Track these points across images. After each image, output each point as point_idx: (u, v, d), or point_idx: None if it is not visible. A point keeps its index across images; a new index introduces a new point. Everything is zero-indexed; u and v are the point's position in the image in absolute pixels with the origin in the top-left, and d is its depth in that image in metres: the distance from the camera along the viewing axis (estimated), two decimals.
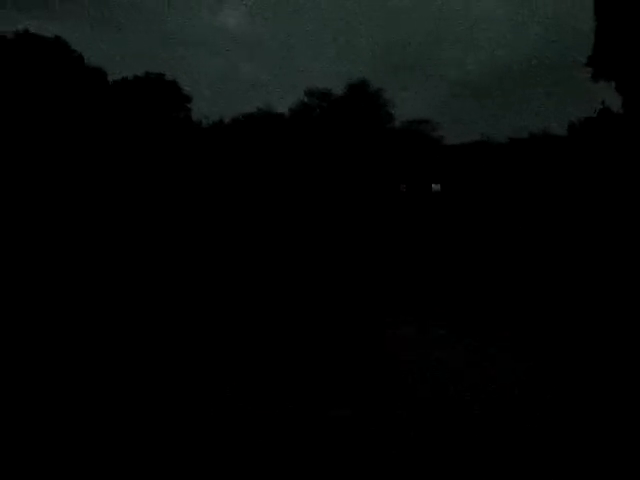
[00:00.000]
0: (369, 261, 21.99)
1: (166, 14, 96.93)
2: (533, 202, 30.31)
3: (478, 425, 5.13)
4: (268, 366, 7.50)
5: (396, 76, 74.56)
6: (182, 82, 32.51)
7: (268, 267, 20.05)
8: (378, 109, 33.03)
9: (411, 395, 6.08)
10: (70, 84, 32.04)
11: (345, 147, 32.68)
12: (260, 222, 28.59)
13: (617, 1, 20.42)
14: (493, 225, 28.82)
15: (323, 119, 32.77)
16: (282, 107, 34.05)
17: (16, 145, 30.22)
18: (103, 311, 10.98)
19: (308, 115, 32.68)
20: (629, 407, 5.62)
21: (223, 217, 28.90)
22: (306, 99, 32.78)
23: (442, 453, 4.62)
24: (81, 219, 27.01)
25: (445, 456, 4.57)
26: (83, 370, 6.97)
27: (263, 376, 7.03)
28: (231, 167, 31.83)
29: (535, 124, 57.69)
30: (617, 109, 24.70)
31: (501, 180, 33.26)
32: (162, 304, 12.28)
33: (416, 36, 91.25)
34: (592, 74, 22.24)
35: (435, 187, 33.43)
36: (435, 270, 19.50)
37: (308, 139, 32.65)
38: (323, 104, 32.87)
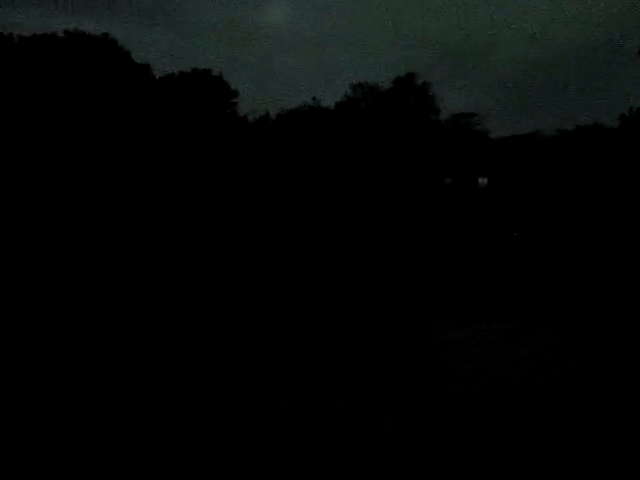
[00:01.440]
0: (415, 258, 21.98)
1: (212, 10, 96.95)
2: (583, 196, 29.90)
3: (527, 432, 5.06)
4: (316, 361, 7.60)
5: (444, 68, 73.48)
6: (228, 77, 32.66)
7: (316, 262, 20.08)
8: (425, 102, 32.78)
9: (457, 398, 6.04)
10: (118, 80, 32.39)
11: (390, 141, 32.56)
12: (306, 216, 28.72)
13: None
14: (541, 220, 28.55)
15: (369, 113, 32.64)
16: (328, 101, 34.05)
17: (67, 140, 30.73)
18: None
19: (354, 109, 32.58)
20: None
21: (271, 211, 29.08)
22: (352, 93, 32.68)
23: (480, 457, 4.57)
24: (131, 213, 27.38)
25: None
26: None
27: (310, 371, 7.14)
28: (278, 162, 31.97)
29: (586, 116, 56.56)
30: None
31: (550, 174, 32.84)
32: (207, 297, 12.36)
33: (467, 26, 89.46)
34: None
35: (482, 181, 33.12)
36: (483, 267, 19.38)
37: (354, 133, 32.59)
38: (369, 98, 32.73)
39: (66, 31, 32.49)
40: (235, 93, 32.85)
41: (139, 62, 32.81)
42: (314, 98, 32.66)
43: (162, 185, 30.16)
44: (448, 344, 8.81)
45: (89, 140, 31.64)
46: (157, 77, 32.80)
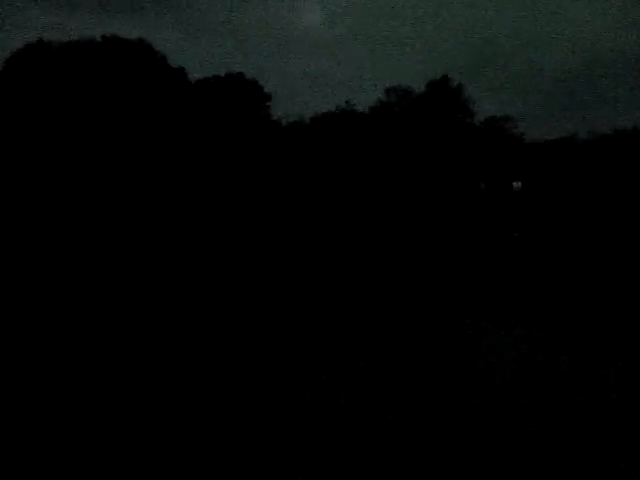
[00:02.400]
0: (448, 259, 21.84)
1: (247, 15, 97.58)
2: (618, 200, 29.38)
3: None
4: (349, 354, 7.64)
5: (479, 72, 72.55)
6: (262, 81, 32.82)
7: (354, 261, 20.04)
8: (459, 106, 32.50)
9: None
10: (154, 83, 32.76)
11: (424, 145, 32.38)
12: (339, 218, 28.72)
13: None
14: (576, 224, 28.12)
15: (403, 117, 32.50)
16: (362, 106, 33.97)
17: (104, 142, 31.21)
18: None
19: (388, 113, 32.46)
20: None
21: (304, 213, 29.15)
22: (386, 97, 32.57)
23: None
24: (165, 212, 27.64)
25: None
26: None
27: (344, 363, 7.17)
28: (310, 165, 32.02)
29: (625, 120, 55.31)
30: None
31: (585, 177, 32.33)
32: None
33: (502, 30, 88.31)
34: None
35: (516, 185, 32.79)
36: (516, 269, 19.17)
37: (388, 137, 32.48)
38: (403, 102, 32.57)
39: (104, 36, 32.95)
40: (269, 96, 33.02)
41: (174, 66, 33.14)
42: (347, 102, 32.66)
43: (196, 184, 30.45)
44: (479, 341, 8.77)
45: (127, 141, 32.09)
46: (192, 81, 33.07)
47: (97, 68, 32.70)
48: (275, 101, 32.79)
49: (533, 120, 62.87)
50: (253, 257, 20.82)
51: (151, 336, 9.02)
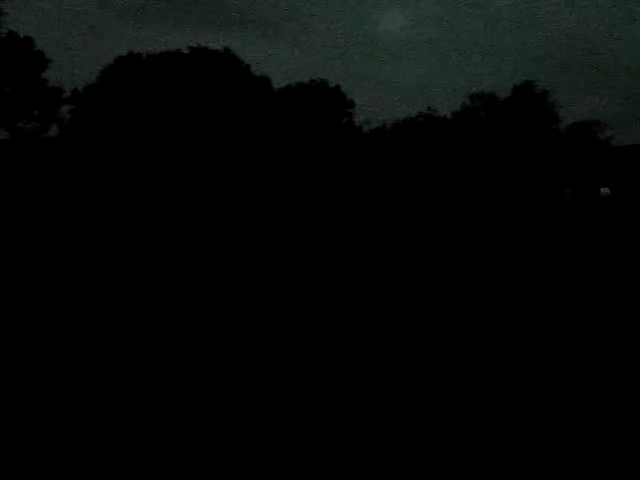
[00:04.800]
0: (531, 269, 21.42)
1: (327, 21, 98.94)
2: None
3: None
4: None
5: (565, 75, 70.74)
6: (344, 88, 33.20)
7: (442, 268, 19.82)
8: (544, 111, 32.11)
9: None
10: (238, 92, 33.56)
11: (509, 151, 32.10)
12: (417, 225, 28.71)
13: None
14: None
15: (487, 123, 32.31)
16: (445, 111, 33.93)
17: (191, 150, 32.12)
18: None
19: (472, 119, 32.34)
20: None
21: (385, 220, 29.26)
22: (470, 102, 32.47)
23: None
24: (250, 217, 28.10)
25: None
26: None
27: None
28: (393, 171, 32.14)
29: None
30: None
31: None
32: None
33: (587, 32, 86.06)
34: None
35: (604, 191, 32.07)
36: (605, 280, 18.56)
37: (472, 144, 32.35)
38: (488, 107, 32.40)
39: (191, 47, 33.99)
40: (351, 103, 33.37)
41: (258, 75, 33.90)
42: (429, 107, 32.70)
43: (282, 190, 30.99)
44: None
45: (213, 148, 32.91)
46: (276, 89, 33.74)
47: (184, 78, 33.75)
48: (357, 107, 33.17)
49: (625, 123, 60.98)
50: (342, 262, 20.79)
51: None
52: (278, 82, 34.66)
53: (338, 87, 33.13)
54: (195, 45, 33.83)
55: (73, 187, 28.44)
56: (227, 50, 33.91)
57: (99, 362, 7.35)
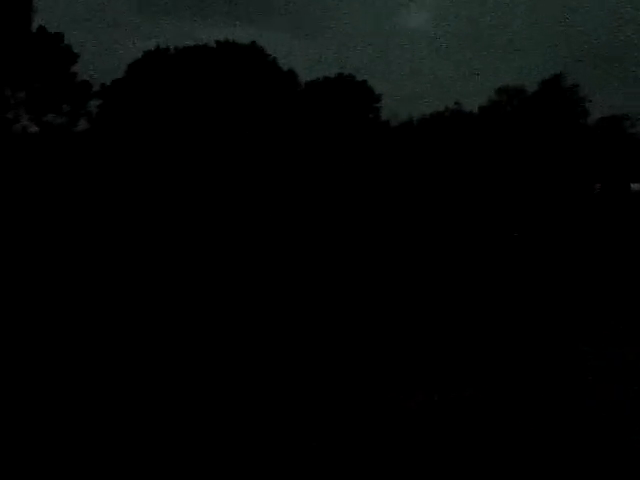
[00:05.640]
0: (562, 267, 21.14)
1: (354, 15, 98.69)
2: None
3: None
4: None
5: (594, 68, 69.38)
6: (372, 82, 33.11)
7: (456, 265, 19.60)
8: (573, 105, 31.78)
9: None
10: (265, 86, 33.61)
11: (537, 146, 31.82)
12: (446, 220, 28.58)
13: None
14: None
15: (515, 117, 32.06)
16: (471, 105, 33.75)
17: (217, 142, 32.24)
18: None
19: (499, 114, 32.10)
20: None
21: (413, 215, 29.16)
22: (497, 97, 32.23)
23: None
24: (275, 212, 28.09)
25: None
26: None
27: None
28: (419, 166, 32.02)
29: None
30: None
31: None
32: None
33: (618, 24, 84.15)
34: None
35: (635, 186, 31.74)
36: (636, 277, 18.24)
37: (499, 138, 32.11)
38: (515, 102, 32.14)
39: (217, 41, 34.09)
40: (378, 98, 33.27)
41: (285, 69, 33.91)
42: (457, 102, 32.50)
43: (308, 184, 31.01)
44: None
45: (241, 142, 33.00)
46: (302, 83, 33.74)
47: (211, 72, 33.86)
48: (384, 101, 33.08)
49: None
50: (369, 256, 20.55)
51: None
52: (304, 75, 34.70)
53: (365, 81, 33.07)
54: (222, 39, 33.96)
55: (100, 181, 28.67)
56: (253, 44, 33.97)
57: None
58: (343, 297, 12.50)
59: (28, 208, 23.42)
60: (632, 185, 31.97)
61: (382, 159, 32.42)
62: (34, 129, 33.67)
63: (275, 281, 14.42)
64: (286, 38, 76.66)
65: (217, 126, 33.07)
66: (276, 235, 24.15)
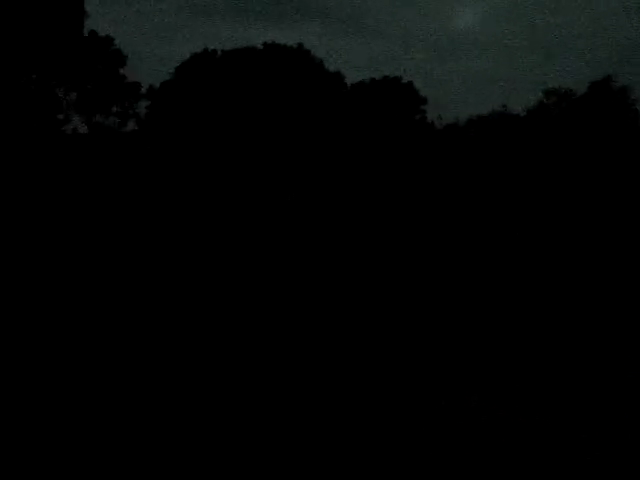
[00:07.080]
0: (610, 274, 20.86)
1: (402, 17, 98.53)
2: None
3: None
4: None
5: None
6: (418, 84, 33.17)
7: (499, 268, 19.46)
8: (624, 108, 31.49)
9: None
10: (312, 88, 33.86)
11: (586, 150, 31.60)
12: (488, 222, 28.51)
13: None
14: None
15: (562, 120, 31.87)
16: (519, 107, 33.53)
17: (264, 143, 32.56)
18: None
19: (546, 116, 31.95)
20: None
21: (460, 217, 29.14)
22: (545, 99, 32.06)
23: None
24: (325, 212, 28.18)
25: None
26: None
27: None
28: (466, 168, 32.00)
29: None
30: None
31: None
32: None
33: None
34: None
35: None
36: None
37: (546, 141, 31.96)
38: (563, 104, 31.95)
39: (264, 43, 34.40)
40: (424, 100, 33.33)
41: (331, 70, 34.12)
42: (504, 105, 32.42)
43: (354, 186, 31.19)
44: None
45: (288, 143, 33.29)
46: (349, 84, 33.91)
47: (258, 74, 34.21)
48: (430, 103, 33.13)
49: None
50: (422, 259, 20.43)
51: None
52: (351, 77, 34.83)
53: (411, 83, 33.16)
54: (269, 41, 34.26)
55: (149, 181, 29.14)
56: (300, 46, 34.21)
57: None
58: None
59: (78, 206, 23.95)
60: None
61: (427, 161, 32.48)
62: (84, 130, 34.29)
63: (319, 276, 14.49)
64: (332, 39, 76.73)
65: (264, 128, 33.39)
66: (327, 234, 24.38)
